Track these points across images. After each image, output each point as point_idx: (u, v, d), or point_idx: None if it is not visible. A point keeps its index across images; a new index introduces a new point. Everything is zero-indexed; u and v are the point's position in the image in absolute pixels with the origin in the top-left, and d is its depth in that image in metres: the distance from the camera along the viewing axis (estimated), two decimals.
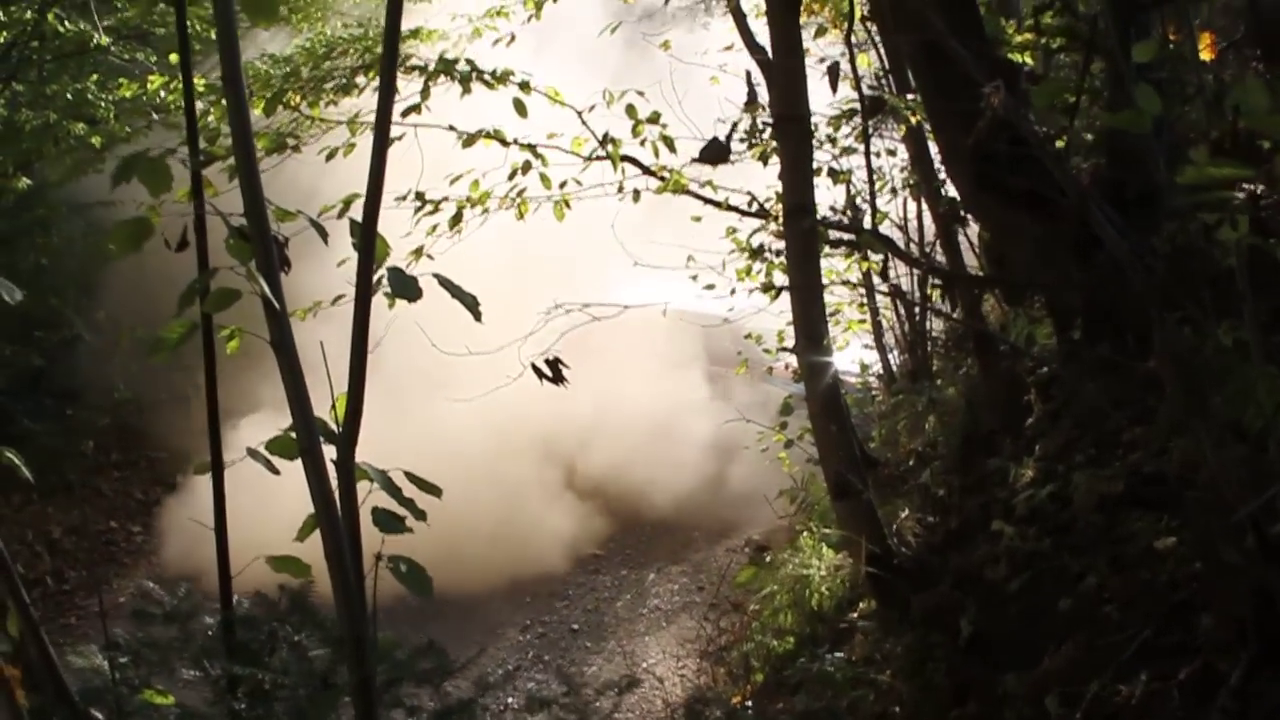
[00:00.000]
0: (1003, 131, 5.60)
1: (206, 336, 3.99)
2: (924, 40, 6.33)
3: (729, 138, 7.62)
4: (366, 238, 3.66)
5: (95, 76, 15.12)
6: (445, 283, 3.84)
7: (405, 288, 3.70)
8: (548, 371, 5.64)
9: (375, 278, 3.68)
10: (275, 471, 3.86)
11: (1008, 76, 5.10)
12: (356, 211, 7.00)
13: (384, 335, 3.76)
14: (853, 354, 11.55)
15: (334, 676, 4.02)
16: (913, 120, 8.92)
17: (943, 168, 8.54)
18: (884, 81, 9.86)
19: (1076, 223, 5.39)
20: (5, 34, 14.05)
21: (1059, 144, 5.59)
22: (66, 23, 14.10)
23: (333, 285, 7.36)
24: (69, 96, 14.84)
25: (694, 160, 7.97)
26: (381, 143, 3.72)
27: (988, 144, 5.73)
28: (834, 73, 7.29)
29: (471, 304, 3.85)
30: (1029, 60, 7.71)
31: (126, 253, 3.62)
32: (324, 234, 3.93)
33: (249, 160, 3.45)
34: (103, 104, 14.66)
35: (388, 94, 3.75)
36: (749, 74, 7.99)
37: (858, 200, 9.97)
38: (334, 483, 3.55)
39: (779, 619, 8.87)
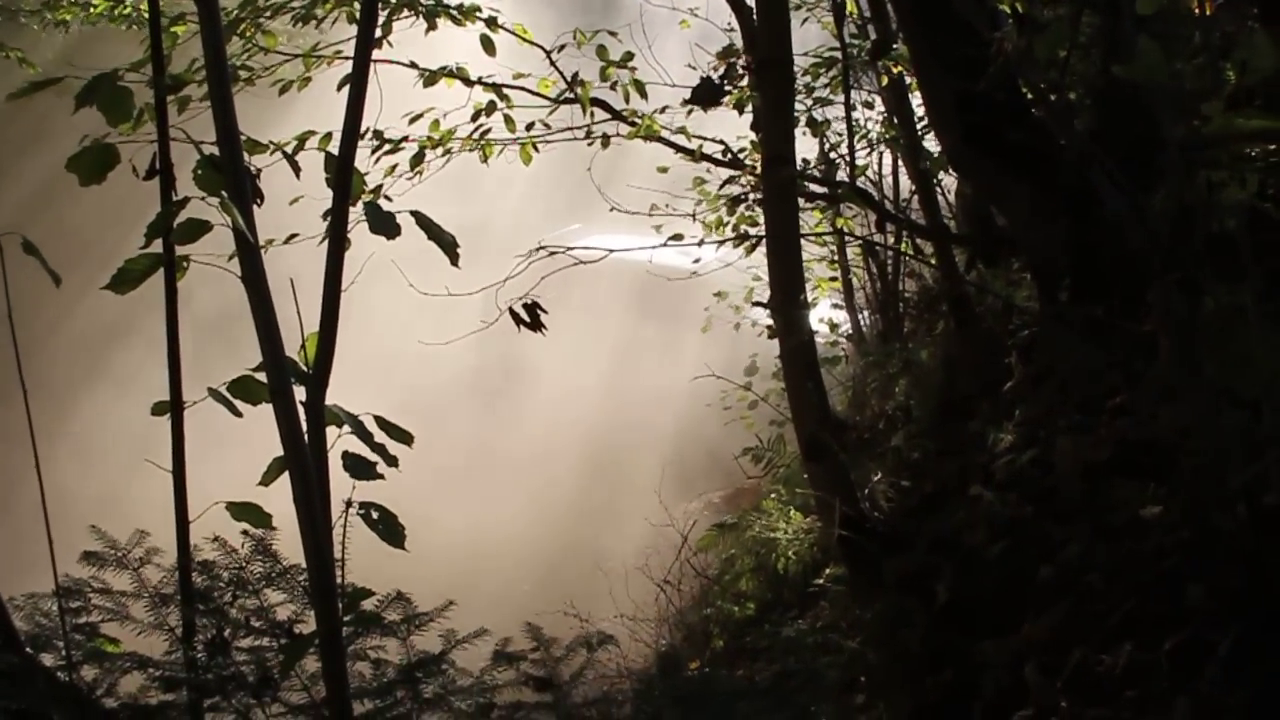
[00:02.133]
0: (995, 82, 5.63)
1: (168, 269, 3.95)
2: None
3: (722, 78, 7.60)
4: (342, 171, 3.65)
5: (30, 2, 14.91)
6: (423, 220, 3.83)
7: (383, 224, 3.69)
8: (525, 316, 5.63)
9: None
10: (238, 414, 3.84)
11: (1004, 23, 5.13)
12: (312, 148, 6.98)
13: (359, 272, 3.73)
14: (821, 313, 11.59)
15: (298, 627, 4.01)
16: (894, 70, 8.93)
17: (925, 121, 8.57)
18: (864, 28, 9.84)
19: (1072, 179, 5.42)
20: None
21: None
22: None
23: (281, 226, 7.34)
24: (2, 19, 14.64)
25: (684, 103, 7.94)
26: (361, 74, 3.70)
27: (980, 95, 5.75)
28: (840, 13, 7.26)
29: (450, 245, 3.84)
30: (1017, 10, 7.73)
31: (91, 183, 3.59)
32: (297, 168, 3.92)
33: (222, 85, 3.43)
34: (36, 28, 14.46)
35: (369, 23, 3.74)
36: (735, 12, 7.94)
37: (832, 154, 9.98)
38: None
39: (741, 583, 8.92)
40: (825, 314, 11.66)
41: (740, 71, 8.08)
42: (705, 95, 7.47)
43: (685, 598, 9.25)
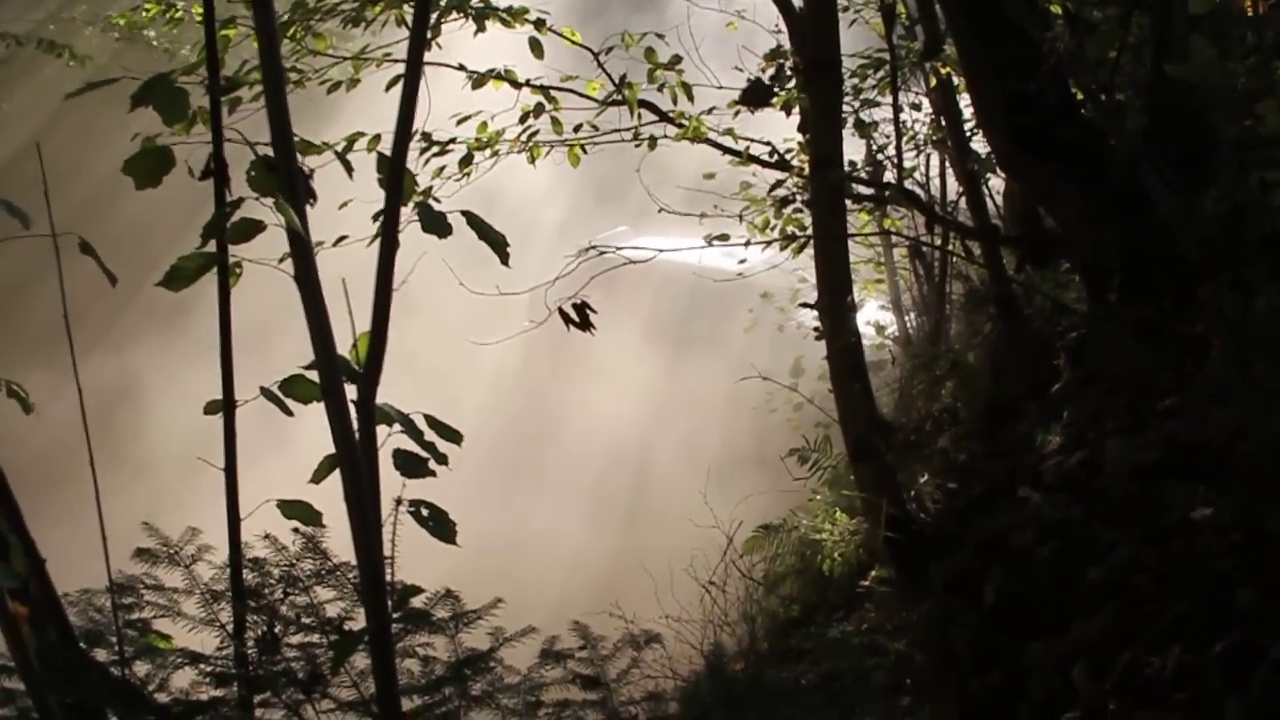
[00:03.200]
0: (1046, 82, 5.61)
1: (221, 269, 3.99)
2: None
3: (773, 78, 7.59)
4: (395, 173, 3.67)
5: (83, 6, 15.11)
6: (474, 220, 3.86)
7: (435, 224, 3.72)
8: (574, 316, 5.65)
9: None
10: (288, 413, 3.87)
11: (1066, 26, 5.10)
12: (360, 149, 7.02)
13: (410, 271, 3.76)
14: (868, 315, 11.58)
15: (348, 624, 4.05)
16: (943, 71, 8.90)
17: (973, 122, 8.54)
18: (912, 29, 9.82)
19: (1123, 179, 5.39)
20: None
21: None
22: None
23: (333, 227, 7.37)
24: (51, 27, 14.83)
25: (733, 103, 7.94)
26: (414, 74, 3.72)
27: (1030, 95, 5.73)
28: (890, 13, 7.25)
29: (500, 244, 3.86)
30: (1067, 10, 7.68)
31: (147, 186, 3.61)
32: (349, 168, 3.95)
33: (276, 85, 3.45)
34: (87, 33, 14.65)
35: (422, 24, 3.75)
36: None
37: (879, 155, 9.95)
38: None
39: (787, 585, 8.92)
40: (872, 316, 11.65)
41: (789, 73, 8.08)
42: (755, 96, 7.47)
43: (730, 599, 9.24)
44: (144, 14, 9.88)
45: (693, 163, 9.37)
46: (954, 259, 10.16)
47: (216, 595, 4.19)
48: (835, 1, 7.16)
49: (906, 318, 11.42)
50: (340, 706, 3.99)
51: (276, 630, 4.06)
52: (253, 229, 3.54)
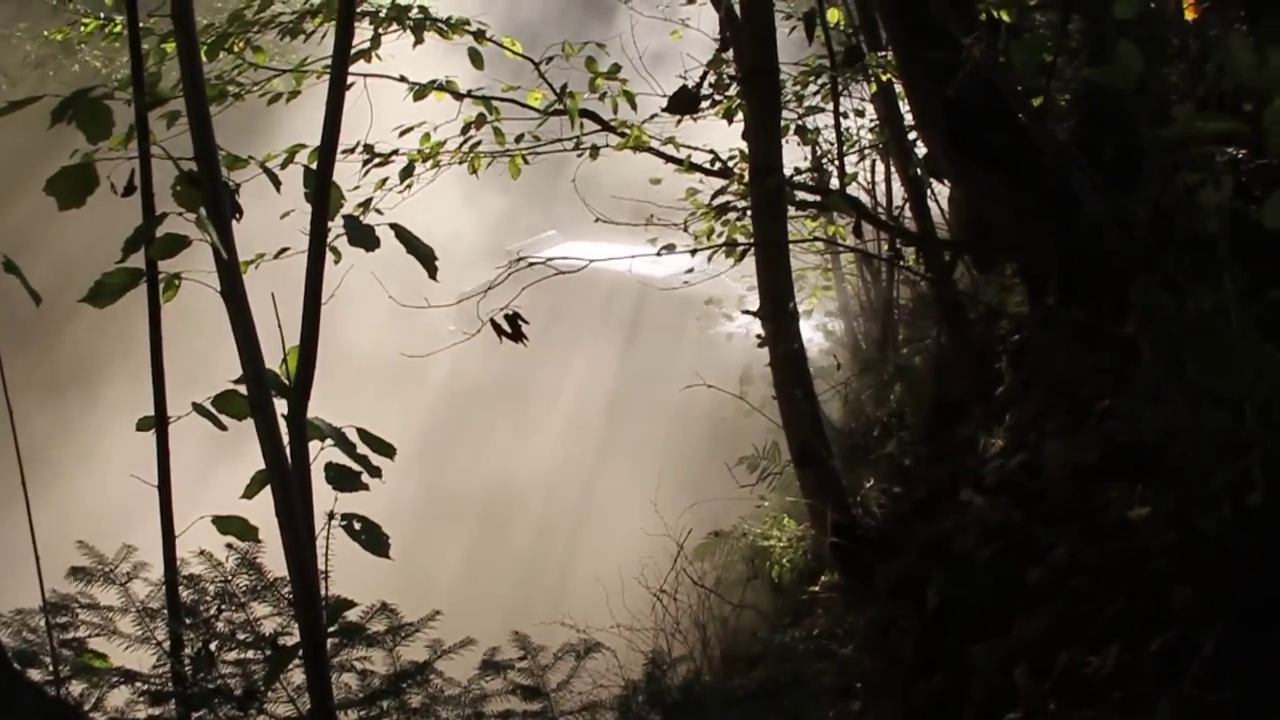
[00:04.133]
0: (979, 88, 5.65)
1: (151, 285, 3.98)
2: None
3: (699, 86, 7.62)
4: (321, 186, 3.66)
5: (23, 24, 14.95)
6: (402, 234, 3.85)
7: (362, 237, 3.71)
8: (507, 328, 5.64)
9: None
10: (222, 428, 3.86)
11: (986, 32, 5.14)
12: (301, 162, 6.99)
13: (337, 287, 3.75)
14: (816, 321, 11.64)
15: (284, 638, 4.03)
16: (883, 77, 8.95)
17: (914, 127, 8.59)
18: (854, 37, 9.87)
19: (1054, 183, 5.44)
20: None
21: (1036, 102, 5.63)
22: None
23: (273, 238, 7.34)
24: None
25: (662, 110, 7.95)
26: (338, 88, 3.71)
27: (964, 100, 5.77)
28: (810, 21, 7.28)
29: (428, 257, 3.86)
30: (1005, 17, 7.75)
31: (70, 206, 3.59)
32: (277, 182, 3.94)
33: (199, 101, 3.44)
34: (27, 49, 14.52)
35: (345, 36, 3.75)
36: (722, 21, 7.93)
37: (824, 161, 10.00)
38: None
39: (737, 592, 8.93)
40: (820, 321, 11.70)
41: (727, 81, 8.10)
42: (682, 104, 7.50)
43: (682, 607, 9.25)
44: (81, 29, 9.81)
45: (633, 171, 9.38)
46: (899, 265, 10.21)
47: (152, 613, 4.17)
48: (771, 9, 7.18)
49: (855, 322, 11.48)
50: None
51: (212, 647, 4.04)
52: (177, 245, 3.53)
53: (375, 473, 3.76)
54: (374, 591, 4.37)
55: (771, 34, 7.14)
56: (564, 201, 8.94)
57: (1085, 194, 4.33)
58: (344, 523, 3.66)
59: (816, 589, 8.01)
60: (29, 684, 4.02)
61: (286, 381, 3.64)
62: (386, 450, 3.86)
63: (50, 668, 4.04)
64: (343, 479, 3.69)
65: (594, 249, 8.77)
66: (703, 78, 7.94)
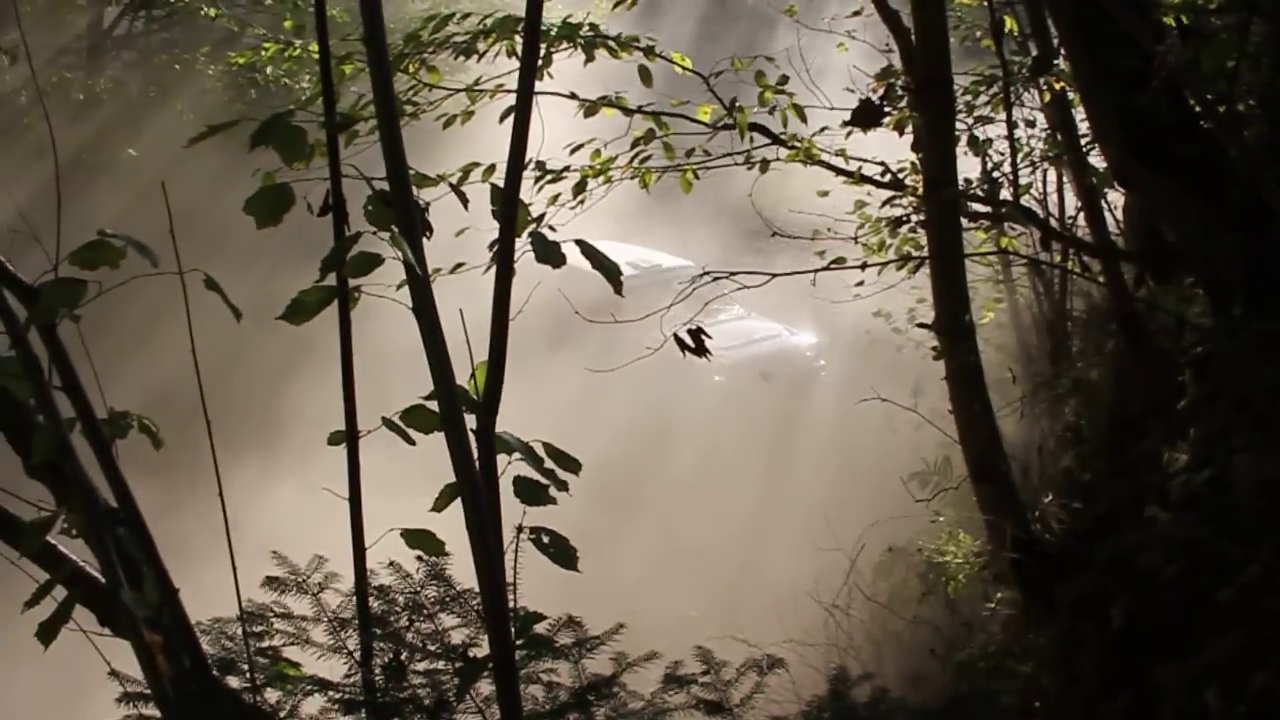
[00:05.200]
0: (1162, 95, 5.53)
1: (342, 302, 4.07)
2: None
3: (882, 98, 7.57)
4: (508, 204, 3.72)
5: (205, 49, 15.42)
6: (587, 249, 3.89)
7: (549, 253, 3.76)
8: (690, 342, 5.66)
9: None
10: (411, 442, 3.93)
11: (1175, 38, 5.04)
12: (474, 181, 7.11)
13: (525, 302, 3.80)
14: (987, 334, 11.50)
15: (472, 651, 4.09)
16: (1056, 86, 8.80)
17: (1090, 136, 8.43)
18: (1028, 45, 9.73)
19: (1243, 192, 5.30)
20: (115, 3, 14.44)
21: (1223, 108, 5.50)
22: None
23: (449, 256, 7.45)
24: (176, 67, 15.17)
25: (843, 124, 7.91)
26: (524, 110, 3.77)
27: (1146, 108, 5.65)
28: (998, 30, 7.18)
29: (614, 273, 3.89)
30: (1181, 22, 7.57)
31: (267, 225, 3.69)
32: (465, 200, 4.01)
33: (391, 122, 3.52)
34: (210, 73, 14.98)
35: (531, 57, 3.81)
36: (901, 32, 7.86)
37: (995, 173, 9.86)
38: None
39: (911, 608, 8.86)
40: (992, 334, 11.55)
41: (900, 92, 8.04)
42: (865, 117, 7.44)
43: (855, 623, 9.20)
44: (263, 53, 10.08)
45: (801, 186, 9.36)
46: (1074, 276, 10.03)
47: (343, 623, 4.26)
48: (945, 20, 7.11)
49: (1027, 336, 11.30)
50: None
51: (402, 657, 4.11)
52: (371, 263, 3.61)
53: (562, 487, 3.80)
54: (550, 604, 4.42)
55: (945, 45, 7.07)
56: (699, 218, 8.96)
57: (1278, 203, 4.21)
58: (532, 536, 3.71)
59: (994, 605, 7.90)
60: (227, 690, 4.14)
61: (476, 397, 3.70)
62: (573, 465, 3.90)
63: (247, 675, 4.15)
64: (530, 493, 3.74)
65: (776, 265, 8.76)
66: (888, 88, 7.86)
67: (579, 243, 3.91)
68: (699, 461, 13.83)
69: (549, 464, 3.85)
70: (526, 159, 8.32)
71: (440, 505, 3.83)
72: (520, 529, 3.70)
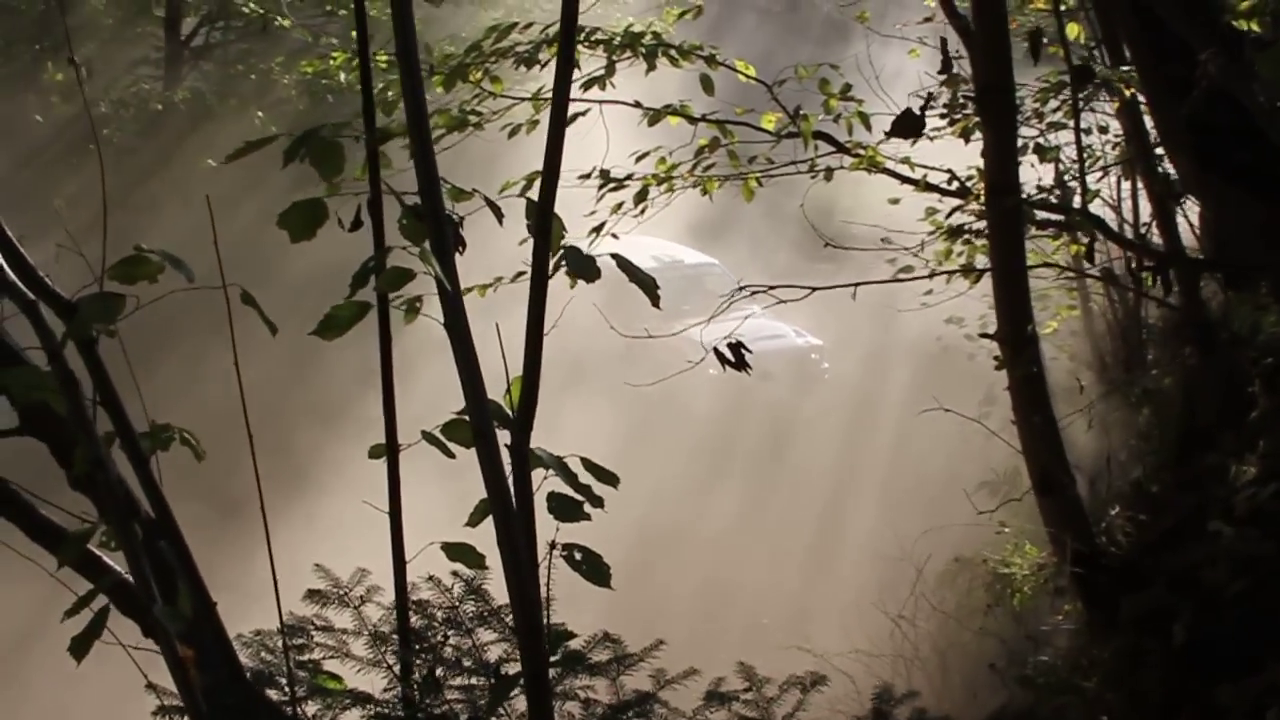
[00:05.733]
0: (1224, 104, 5.40)
1: (382, 316, 4.06)
2: (1138, 4, 6.13)
3: (923, 109, 7.45)
4: (543, 218, 3.68)
5: (280, 58, 15.58)
6: (624, 264, 3.85)
7: (583, 267, 3.71)
8: (730, 356, 5.60)
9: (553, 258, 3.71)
10: (450, 455, 3.90)
11: (1231, 43, 4.91)
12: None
13: (559, 316, 3.76)
14: (1060, 340, 11.34)
15: (507, 666, 4.06)
16: (1127, 93, 8.64)
17: (1160, 143, 8.27)
18: (1096, 51, 9.57)
19: None
20: (193, 15, 14.65)
21: None
22: (252, 3, 14.51)
23: (514, 265, 7.43)
24: (252, 77, 15.35)
25: (885, 134, 7.81)
26: (559, 120, 3.73)
27: (1208, 117, 5.53)
28: (1035, 40, 7.06)
29: (650, 287, 3.84)
30: (1255, 27, 7.40)
31: (301, 239, 3.67)
32: (499, 214, 3.96)
33: (423, 137, 3.49)
34: (285, 81, 15.14)
35: (566, 69, 3.76)
36: (944, 41, 7.74)
37: (1066, 178, 9.69)
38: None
39: (977, 619, 8.73)
40: (1065, 340, 11.39)
41: (962, 100, 7.92)
42: (905, 127, 7.33)
43: (921, 633, 9.09)
44: (331, 62, 10.14)
45: (871, 194, 9.27)
46: (1143, 284, 9.84)
47: (382, 637, 4.24)
48: (1006, 26, 6.99)
49: (1100, 343, 11.11)
50: None
51: (439, 673, 4.09)
52: (403, 278, 3.58)
53: (598, 502, 3.74)
54: (610, 620, 4.38)
55: (1007, 51, 6.95)
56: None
57: None
58: (565, 553, 3.66)
59: (1060, 618, 7.77)
60: (266, 701, 4.13)
61: (510, 412, 3.66)
62: (610, 479, 3.85)
63: (286, 688, 4.14)
64: (565, 509, 3.69)
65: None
66: (929, 98, 7.74)
67: (615, 256, 3.87)
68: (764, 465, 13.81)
69: (587, 479, 3.80)
70: (593, 167, 8.38)
71: (475, 520, 3.79)
72: (553, 545, 3.65)
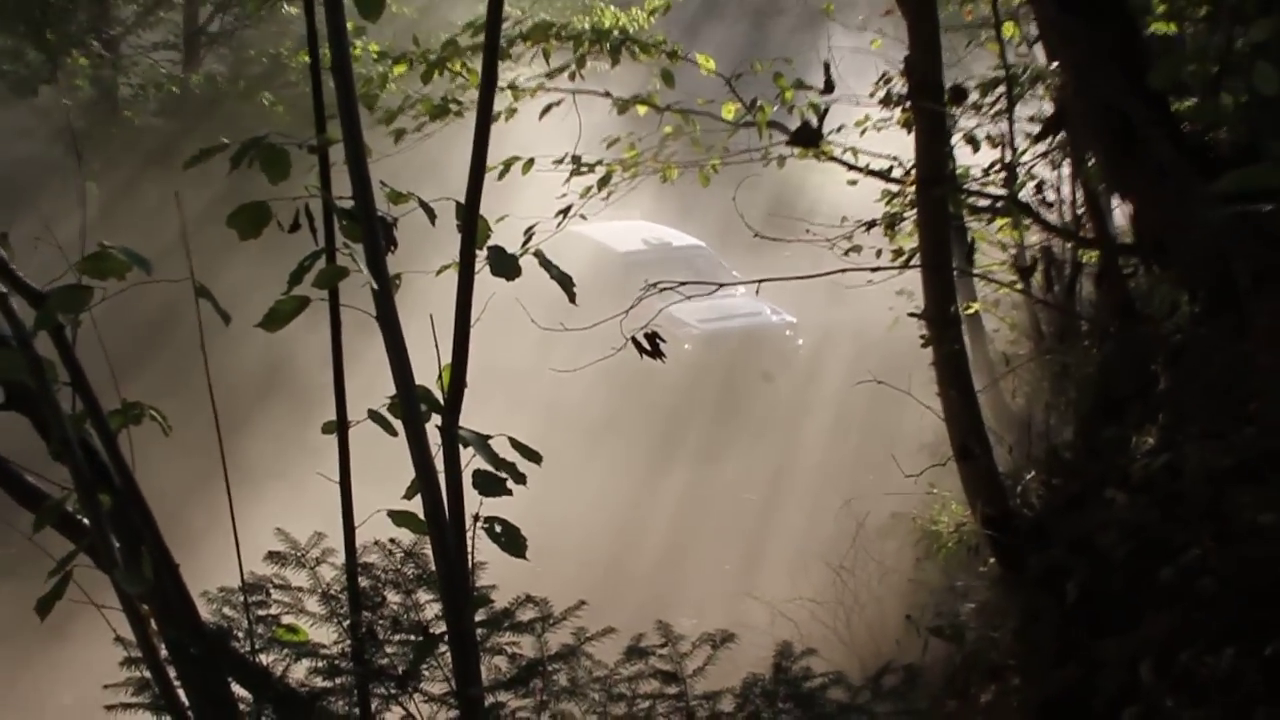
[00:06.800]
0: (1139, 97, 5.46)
1: (333, 307, 4.15)
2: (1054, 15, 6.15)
3: (820, 121, 7.53)
4: (470, 217, 3.77)
5: (288, 43, 15.56)
6: (544, 261, 3.94)
7: (505, 266, 3.80)
8: (646, 345, 5.69)
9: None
10: (393, 433, 3.98)
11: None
12: (515, 174, 7.14)
13: (483, 310, 3.84)
14: (1002, 311, 11.47)
15: (435, 625, 4.16)
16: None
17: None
18: (1033, 49, 9.59)
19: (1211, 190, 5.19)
20: (207, 4, 14.67)
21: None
22: None
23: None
24: (264, 61, 15.34)
25: (786, 143, 7.88)
26: (483, 126, 3.81)
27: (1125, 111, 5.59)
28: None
29: (567, 284, 3.93)
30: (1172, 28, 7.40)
31: (249, 237, 3.74)
32: (432, 216, 4.02)
33: (356, 146, 3.55)
34: (293, 65, 15.12)
35: (489, 78, 3.83)
36: (826, 65, 7.75)
37: (994, 167, 9.75)
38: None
39: (911, 570, 8.87)
40: (1007, 313, 11.49)
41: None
42: (803, 139, 7.40)
43: (859, 582, 9.20)
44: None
45: (831, 181, 9.29)
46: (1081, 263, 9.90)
47: (333, 597, 4.35)
48: (935, 22, 7.03)
49: (1039, 314, 11.19)
50: (430, 700, 4.12)
51: (378, 629, 4.19)
52: (338, 275, 3.67)
53: (521, 479, 3.83)
54: (577, 583, 4.45)
55: (936, 48, 7.01)
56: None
57: (1194, 206, 4.14)
58: (485, 525, 3.75)
59: (984, 569, 7.88)
60: (231, 651, 4.24)
61: (441, 396, 3.76)
62: (535, 457, 3.93)
63: (247, 640, 4.25)
64: (488, 485, 3.78)
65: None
66: (824, 111, 7.77)
67: (537, 254, 3.98)
68: (725, 430, 13.97)
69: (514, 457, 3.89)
70: (561, 155, 8.42)
71: (411, 493, 3.88)
72: (476, 517, 3.75)
